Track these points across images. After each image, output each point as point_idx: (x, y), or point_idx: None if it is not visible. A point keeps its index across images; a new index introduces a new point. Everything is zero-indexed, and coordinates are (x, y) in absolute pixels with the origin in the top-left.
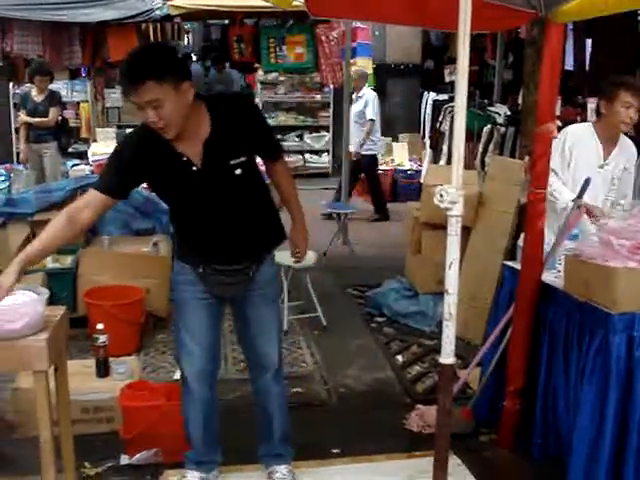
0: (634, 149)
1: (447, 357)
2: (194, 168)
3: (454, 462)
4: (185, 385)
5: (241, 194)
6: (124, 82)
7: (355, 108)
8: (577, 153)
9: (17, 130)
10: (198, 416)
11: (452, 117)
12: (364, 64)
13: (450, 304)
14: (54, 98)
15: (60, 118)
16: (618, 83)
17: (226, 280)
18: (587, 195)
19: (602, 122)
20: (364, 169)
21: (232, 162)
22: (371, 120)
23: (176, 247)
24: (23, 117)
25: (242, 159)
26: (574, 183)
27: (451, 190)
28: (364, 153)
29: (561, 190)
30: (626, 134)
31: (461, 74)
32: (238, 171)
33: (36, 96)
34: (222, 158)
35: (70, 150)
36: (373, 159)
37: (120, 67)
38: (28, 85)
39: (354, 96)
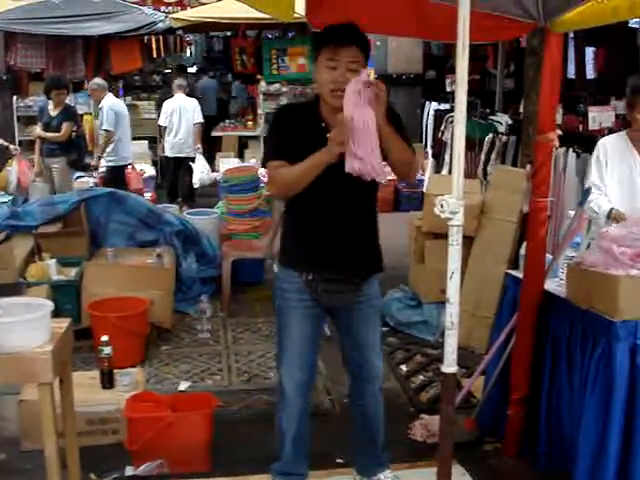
0: None
1: (450, 366)
2: None
3: (458, 471)
4: (282, 394)
5: (365, 194)
6: (335, 38)
7: (100, 120)
8: (612, 164)
9: (20, 143)
10: (291, 426)
11: (454, 126)
12: None
13: (452, 313)
14: (68, 113)
15: (75, 134)
16: (635, 89)
17: (335, 288)
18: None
19: (632, 128)
20: (108, 182)
21: None
22: (105, 131)
23: (283, 253)
24: (37, 130)
25: None
26: (615, 193)
27: (452, 200)
28: (107, 165)
29: (600, 203)
30: None
31: (460, 85)
32: None
33: (52, 110)
34: None
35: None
36: (116, 170)
37: (329, 28)
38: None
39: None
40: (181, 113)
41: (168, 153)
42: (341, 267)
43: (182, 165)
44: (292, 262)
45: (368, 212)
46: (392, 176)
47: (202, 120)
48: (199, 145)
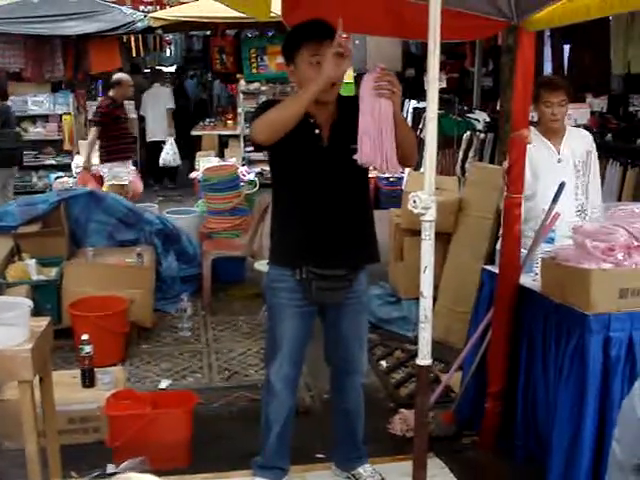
0: (584, 132)
1: (424, 359)
2: (321, 144)
3: (436, 464)
4: (268, 388)
5: (354, 185)
6: (316, 33)
7: None
8: (531, 157)
9: None
10: (277, 419)
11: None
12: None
13: (425, 307)
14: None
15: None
16: (538, 84)
17: (327, 286)
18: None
19: (539, 124)
20: None
21: (352, 146)
22: None
23: (274, 251)
24: None
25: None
26: (539, 186)
27: (424, 196)
28: None
29: None
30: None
31: (432, 83)
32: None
33: None
34: (345, 140)
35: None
36: None
37: (306, 25)
38: None
39: None
40: (154, 101)
41: (149, 138)
42: (334, 258)
43: (159, 148)
44: (284, 259)
45: (359, 201)
46: (372, 174)
47: (173, 106)
48: (172, 130)
